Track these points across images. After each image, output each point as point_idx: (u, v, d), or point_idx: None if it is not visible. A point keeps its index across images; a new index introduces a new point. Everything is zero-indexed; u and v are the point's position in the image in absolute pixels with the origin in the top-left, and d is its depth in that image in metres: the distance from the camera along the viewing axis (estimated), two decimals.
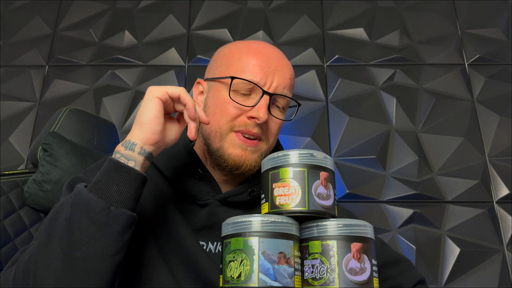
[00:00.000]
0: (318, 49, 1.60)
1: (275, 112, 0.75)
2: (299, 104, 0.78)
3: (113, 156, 0.59)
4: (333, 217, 0.51)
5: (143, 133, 0.59)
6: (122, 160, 0.58)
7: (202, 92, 0.79)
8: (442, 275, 1.29)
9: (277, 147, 0.84)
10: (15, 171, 1.03)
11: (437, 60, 1.57)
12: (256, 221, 0.46)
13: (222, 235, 0.49)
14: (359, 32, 1.62)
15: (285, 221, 0.48)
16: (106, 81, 1.56)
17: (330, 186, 0.52)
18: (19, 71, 1.58)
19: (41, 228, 0.58)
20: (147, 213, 0.70)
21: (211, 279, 0.67)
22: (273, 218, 0.47)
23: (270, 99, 0.72)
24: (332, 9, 1.66)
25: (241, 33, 1.62)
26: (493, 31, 1.60)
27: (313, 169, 0.51)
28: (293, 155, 0.52)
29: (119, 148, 0.60)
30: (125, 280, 0.66)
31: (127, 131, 1.49)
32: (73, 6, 1.69)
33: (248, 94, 0.72)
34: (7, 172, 1.00)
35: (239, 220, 0.47)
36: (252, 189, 0.75)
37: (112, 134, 1.24)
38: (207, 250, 0.71)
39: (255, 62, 0.73)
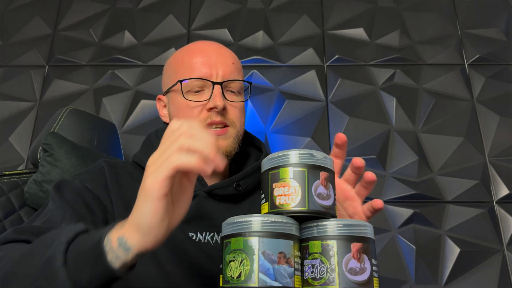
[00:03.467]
0: (318, 49, 1.60)
1: (231, 97, 0.80)
2: (250, 83, 0.85)
3: (104, 244, 0.46)
4: (333, 217, 0.51)
5: (143, 238, 0.46)
6: (111, 255, 0.46)
7: (165, 106, 0.86)
8: (442, 275, 1.29)
9: (247, 135, 0.89)
10: (15, 171, 1.03)
11: (437, 60, 1.57)
12: (256, 221, 0.47)
13: (222, 235, 0.49)
14: (359, 32, 1.62)
15: (285, 221, 0.48)
16: (106, 81, 1.56)
17: (330, 186, 0.52)
18: (19, 71, 1.58)
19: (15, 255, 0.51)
20: (129, 214, 0.70)
21: (200, 265, 0.70)
22: (273, 218, 0.47)
23: (222, 88, 0.77)
24: (332, 9, 1.66)
25: (241, 33, 1.62)
26: (493, 31, 1.60)
27: (313, 169, 0.51)
28: (293, 155, 0.52)
29: (113, 241, 0.47)
30: None
31: (127, 131, 1.49)
32: (73, 6, 1.69)
33: (201, 90, 0.78)
34: (7, 172, 1.00)
35: (239, 220, 0.47)
36: (237, 183, 0.78)
37: (112, 134, 1.24)
38: (197, 240, 0.73)
39: (196, 60, 0.79)
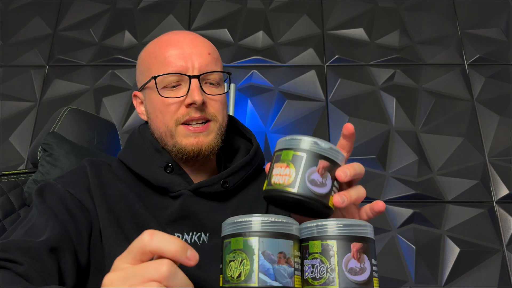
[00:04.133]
0: (318, 49, 1.60)
1: (210, 89, 0.75)
2: (229, 73, 0.79)
3: None
4: (325, 206, 0.51)
5: None
6: None
7: (142, 103, 0.81)
8: (442, 275, 1.29)
9: (237, 126, 0.85)
10: (15, 171, 1.03)
11: (437, 60, 1.57)
12: (256, 221, 0.47)
13: (222, 235, 0.49)
14: (359, 32, 1.62)
15: (285, 221, 0.48)
16: (106, 81, 1.56)
17: (329, 176, 0.52)
18: (19, 71, 1.58)
19: None
20: (117, 214, 0.69)
21: (185, 268, 0.67)
22: (273, 218, 0.47)
23: (199, 81, 0.72)
24: (332, 9, 1.66)
25: (241, 33, 1.62)
26: (493, 31, 1.60)
27: (313, 156, 0.51)
28: (300, 140, 0.52)
29: None
30: (97, 279, 0.66)
31: (127, 131, 1.49)
32: (73, 6, 1.69)
33: (177, 85, 0.73)
34: (7, 172, 1.00)
35: (239, 220, 0.48)
36: (225, 180, 0.75)
37: (112, 134, 1.24)
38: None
39: (169, 53, 0.74)
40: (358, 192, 0.53)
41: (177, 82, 0.73)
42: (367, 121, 1.48)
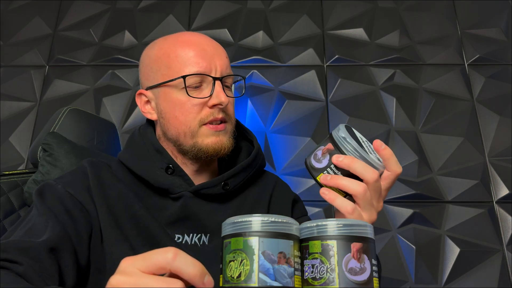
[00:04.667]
0: (318, 49, 1.60)
1: (228, 92, 0.77)
2: (244, 77, 0.81)
3: None
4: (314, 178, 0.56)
5: None
6: None
7: (148, 101, 0.79)
8: (442, 275, 1.29)
9: (239, 127, 0.86)
10: (15, 171, 1.03)
11: (437, 60, 1.57)
12: (256, 221, 0.47)
13: (222, 235, 0.49)
14: (359, 32, 1.62)
15: (285, 221, 0.48)
16: (106, 81, 1.56)
17: (328, 156, 0.58)
18: (19, 71, 1.58)
19: None
20: (116, 214, 0.69)
21: None
22: (273, 218, 0.47)
23: (221, 83, 0.74)
24: (332, 9, 1.66)
25: (241, 33, 1.62)
26: (493, 31, 1.60)
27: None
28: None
29: None
30: (97, 279, 0.66)
31: (127, 131, 1.49)
32: (73, 6, 1.69)
33: (199, 86, 0.74)
34: (7, 172, 1.00)
35: (239, 220, 0.48)
36: (225, 182, 0.75)
37: (112, 134, 1.24)
38: (183, 242, 0.71)
39: (193, 53, 0.74)
40: (348, 182, 0.56)
41: (199, 83, 0.73)
42: (367, 121, 1.48)
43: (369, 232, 0.49)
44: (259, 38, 1.61)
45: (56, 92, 1.54)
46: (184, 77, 0.72)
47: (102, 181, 0.74)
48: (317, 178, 0.58)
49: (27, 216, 0.67)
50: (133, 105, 1.53)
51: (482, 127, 1.46)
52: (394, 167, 0.59)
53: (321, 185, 0.58)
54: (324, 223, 0.48)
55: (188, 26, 1.64)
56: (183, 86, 0.72)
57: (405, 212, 1.36)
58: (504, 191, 1.37)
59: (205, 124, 0.73)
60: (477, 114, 1.48)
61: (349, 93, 1.53)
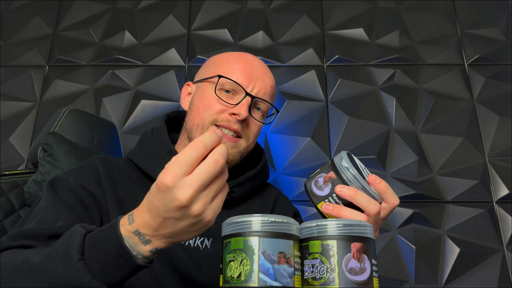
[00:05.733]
0: (318, 49, 1.60)
1: (256, 114, 0.81)
2: (278, 111, 0.87)
3: (123, 234, 0.49)
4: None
5: (165, 239, 0.49)
6: (130, 249, 0.49)
7: (189, 93, 0.86)
8: (442, 275, 1.29)
9: (258, 150, 0.91)
10: (15, 171, 1.03)
11: (437, 60, 1.57)
12: (256, 221, 0.47)
13: (222, 235, 0.49)
14: (359, 32, 1.62)
15: (285, 221, 0.48)
16: (106, 81, 1.56)
17: (330, 184, 0.53)
18: (19, 71, 1.58)
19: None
20: (126, 211, 0.70)
21: (186, 270, 0.69)
22: (273, 218, 0.47)
23: (251, 101, 0.78)
24: (332, 9, 1.66)
25: (241, 33, 1.62)
26: (493, 31, 1.60)
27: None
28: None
29: (129, 233, 0.49)
30: None
31: (127, 131, 1.49)
32: (73, 6, 1.69)
33: (232, 94, 0.79)
34: (7, 172, 1.00)
35: (239, 220, 0.48)
36: (231, 190, 0.78)
37: (113, 134, 1.24)
38: (186, 244, 0.73)
39: (240, 66, 0.80)
40: (351, 213, 0.56)
41: (233, 90, 0.79)
42: (367, 121, 1.48)
43: (369, 232, 0.49)
44: (259, 38, 1.61)
45: (56, 92, 1.54)
46: (219, 76, 0.78)
47: (112, 177, 0.75)
48: (318, 206, 0.58)
49: (34, 209, 0.68)
50: (133, 105, 1.53)
51: (482, 127, 1.46)
52: (392, 200, 0.60)
53: (320, 212, 0.59)
54: (324, 223, 0.48)
55: (188, 26, 1.64)
56: (218, 86, 0.78)
57: (405, 212, 1.36)
58: (504, 191, 1.37)
59: (217, 125, 0.76)
60: (477, 114, 1.48)
61: (349, 93, 1.53)
